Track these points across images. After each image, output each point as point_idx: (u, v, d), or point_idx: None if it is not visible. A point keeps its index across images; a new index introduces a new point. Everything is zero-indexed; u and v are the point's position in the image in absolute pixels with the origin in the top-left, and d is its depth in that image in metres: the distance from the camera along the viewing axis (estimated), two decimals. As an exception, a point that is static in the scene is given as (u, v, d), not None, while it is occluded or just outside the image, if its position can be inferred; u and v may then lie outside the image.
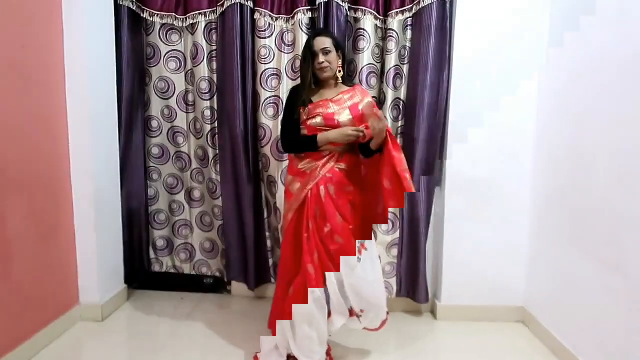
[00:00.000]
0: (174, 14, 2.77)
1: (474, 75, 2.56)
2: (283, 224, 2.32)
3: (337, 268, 2.05)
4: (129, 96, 2.83)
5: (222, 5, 2.66)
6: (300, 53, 2.42)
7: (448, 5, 2.54)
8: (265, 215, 2.88)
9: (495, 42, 2.53)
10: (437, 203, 2.75)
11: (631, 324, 1.79)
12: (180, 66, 2.87)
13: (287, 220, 2.18)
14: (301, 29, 2.62)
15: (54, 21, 2.38)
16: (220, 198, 2.88)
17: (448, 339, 2.57)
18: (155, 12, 2.78)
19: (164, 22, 2.79)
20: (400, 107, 2.68)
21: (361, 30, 2.61)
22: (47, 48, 2.34)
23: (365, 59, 2.62)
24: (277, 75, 2.71)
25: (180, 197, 3.04)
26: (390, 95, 2.64)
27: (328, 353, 2.19)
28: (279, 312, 2.14)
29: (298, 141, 2.14)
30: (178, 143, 2.96)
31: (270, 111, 2.74)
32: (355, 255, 2.07)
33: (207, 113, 2.82)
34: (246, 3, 2.65)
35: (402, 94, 2.66)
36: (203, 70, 2.78)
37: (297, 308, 2.05)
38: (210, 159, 2.87)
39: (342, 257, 2.05)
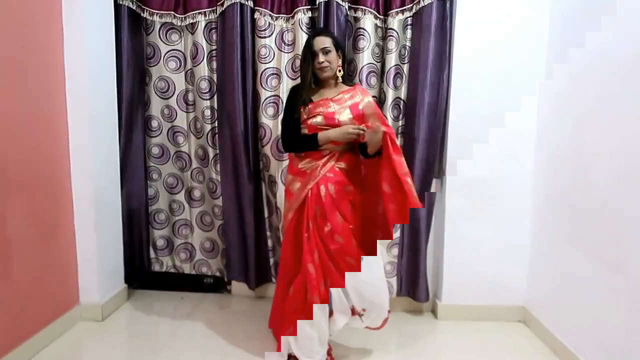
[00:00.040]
0: (173, 12, 2.77)
1: (474, 74, 2.55)
2: (283, 224, 2.32)
3: (337, 267, 2.06)
4: (129, 96, 2.83)
5: (222, 4, 2.66)
6: (300, 52, 2.42)
7: (448, 5, 2.54)
8: (267, 214, 2.88)
9: (495, 42, 2.53)
10: (437, 203, 2.75)
11: (632, 324, 1.79)
12: (180, 66, 2.87)
13: (287, 219, 2.18)
14: (301, 28, 2.62)
15: (54, 21, 2.37)
16: (221, 197, 2.88)
17: (449, 338, 2.57)
18: (154, 11, 2.78)
19: (163, 21, 2.79)
20: (401, 107, 2.67)
21: (361, 30, 2.60)
22: (47, 48, 2.33)
23: (365, 58, 2.61)
24: (277, 74, 2.71)
25: (180, 196, 3.04)
26: (390, 95, 2.63)
27: (329, 353, 2.19)
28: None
29: (298, 140, 2.14)
30: (178, 143, 2.96)
31: (270, 110, 2.74)
32: (354, 254, 2.07)
33: (207, 112, 2.81)
34: (246, 2, 2.65)
35: (403, 93, 2.66)
36: (203, 69, 2.78)
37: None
38: (211, 159, 2.87)
39: (344, 257, 2.06)
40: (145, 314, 2.77)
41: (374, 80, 2.66)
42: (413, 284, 2.78)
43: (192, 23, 2.76)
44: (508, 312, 2.71)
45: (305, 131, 2.12)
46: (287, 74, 2.70)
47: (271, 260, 2.92)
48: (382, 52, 2.67)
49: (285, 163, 2.65)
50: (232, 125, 2.73)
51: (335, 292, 2.06)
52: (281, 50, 2.70)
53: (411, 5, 2.58)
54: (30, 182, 2.22)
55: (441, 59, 2.56)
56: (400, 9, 2.58)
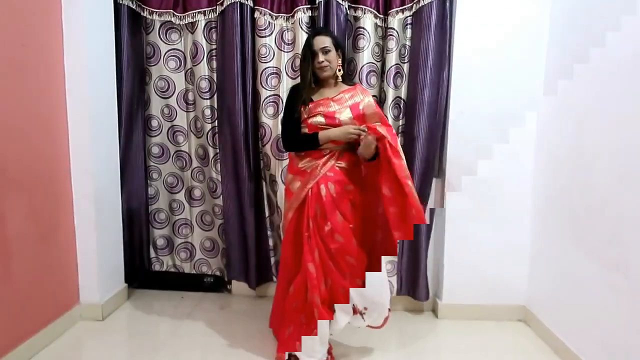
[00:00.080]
0: (172, 11, 2.76)
1: (474, 73, 2.55)
2: (283, 223, 2.32)
3: (337, 267, 2.06)
4: (129, 95, 2.83)
5: (222, 3, 2.66)
6: (300, 52, 2.42)
7: (448, 4, 2.54)
8: (267, 213, 2.88)
9: (495, 41, 2.53)
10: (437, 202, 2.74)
11: (632, 323, 1.79)
12: (180, 65, 2.87)
13: (288, 219, 2.18)
14: (301, 27, 2.62)
15: (54, 21, 2.37)
16: (221, 197, 2.88)
17: (449, 337, 2.57)
18: (154, 10, 2.78)
19: (163, 20, 2.79)
20: (401, 106, 2.67)
21: (361, 29, 2.60)
22: (47, 48, 2.33)
23: (365, 57, 2.61)
24: (277, 74, 2.71)
25: (181, 196, 3.04)
26: (390, 94, 2.63)
27: (329, 352, 2.19)
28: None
29: (299, 139, 2.14)
30: (178, 142, 2.96)
31: (271, 110, 2.74)
32: (355, 253, 2.08)
33: (207, 112, 2.81)
34: (246, 2, 2.64)
35: (403, 92, 2.65)
36: (203, 69, 2.77)
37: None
38: (211, 158, 2.87)
39: (344, 256, 2.06)
40: (145, 313, 2.78)
41: (374, 80, 2.66)
42: (413, 283, 2.78)
43: (191, 22, 2.75)
44: (509, 312, 2.71)
45: (305, 130, 2.12)
46: (287, 73, 2.70)
47: (272, 260, 2.92)
48: (382, 52, 2.66)
49: (286, 162, 2.65)
50: (232, 125, 2.73)
51: None
52: (281, 50, 2.70)
53: (411, 4, 2.57)
54: (30, 182, 2.22)
55: (441, 58, 2.56)
56: (400, 8, 2.58)
